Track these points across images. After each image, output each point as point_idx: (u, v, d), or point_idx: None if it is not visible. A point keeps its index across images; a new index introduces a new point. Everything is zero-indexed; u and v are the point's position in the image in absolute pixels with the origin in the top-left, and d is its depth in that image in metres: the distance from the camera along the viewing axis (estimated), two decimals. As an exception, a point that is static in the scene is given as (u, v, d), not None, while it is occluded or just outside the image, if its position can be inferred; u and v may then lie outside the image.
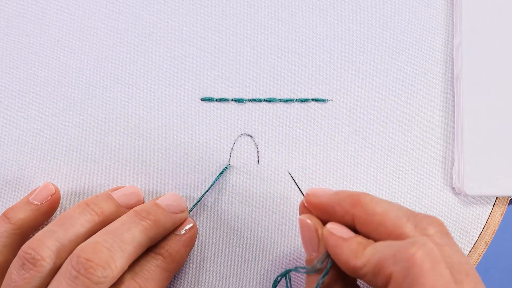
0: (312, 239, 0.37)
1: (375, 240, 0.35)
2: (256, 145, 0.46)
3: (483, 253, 0.46)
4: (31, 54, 0.46)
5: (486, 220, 0.46)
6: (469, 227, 0.46)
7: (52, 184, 0.44)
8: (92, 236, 0.39)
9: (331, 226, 0.36)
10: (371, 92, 0.46)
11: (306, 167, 0.46)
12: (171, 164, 0.45)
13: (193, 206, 0.45)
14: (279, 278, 0.39)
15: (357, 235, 0.35)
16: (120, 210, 0.42)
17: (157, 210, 0.41)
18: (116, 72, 0.46)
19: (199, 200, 0.45)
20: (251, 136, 0.46)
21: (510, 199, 0.46)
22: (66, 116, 0.45)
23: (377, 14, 0.46)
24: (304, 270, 0.36)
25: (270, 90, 0.46)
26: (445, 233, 0.34)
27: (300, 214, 0.39)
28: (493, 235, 0.46)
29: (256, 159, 0.46)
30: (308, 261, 0.37)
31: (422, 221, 0.34)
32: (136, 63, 0.46)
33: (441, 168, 0.46)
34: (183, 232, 0.43)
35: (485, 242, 0.46)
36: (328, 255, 0.36)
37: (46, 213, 0.43)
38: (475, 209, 0.46)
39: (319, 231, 0.37)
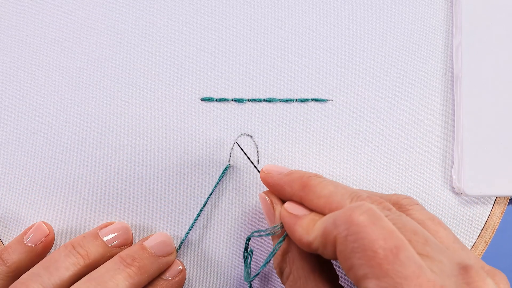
0: (269, 214, 0.40)
1: None
2: (256, 145, 0.46)
3: (482, 253, 0.46)
4: (31, 53, 0.46)
5: (485, 220, 0.46)
6: (468, 227, 0.46)
7: (45, 223, 0.44)
8: (76, 284, 0.39)
9: (288, 205, 0.38)
10: (371, 92, 0.46)
11: (306, 167, 0.46)
12: (171, 164, 0.45)
13: (196, 217, 0.45)
14: (245, 255, 0.42)
15: (311, 212, 0.37)
16: (107, 251, 0.42)
17: (143, 255, 0.42)
18: (116, 72, 0.46)
19: (198, 216, 0.45)
20: (251, 136, 0.46)
21: (509, 199, 0.46)
22: (66, 115, 0.45)
23: (376, 14, 0.46)
24: (257, 234, 0.39)
25: (270, 90, 0.46)
26: (386, 208, 0.35)
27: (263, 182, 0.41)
28: (493, 235, 0.46)
29: (256, 159, 0.46)
30: (270, 230, 0.39)
31: (365, 200, 0.35)
32: (136, 63, 0.46)
33: (440, 168, 0.46)
34: (170, 278, 0.43)
35: (485, 242, 0.46)
36: (282, 226, 0.38)
37: (40, 254, 0.43)
38: (475, 209, 0.46)
39: (276, 208, 0.39)
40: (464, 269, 0.31)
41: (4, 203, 0.45)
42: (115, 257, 0.41)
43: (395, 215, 0.34)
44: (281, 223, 0.38)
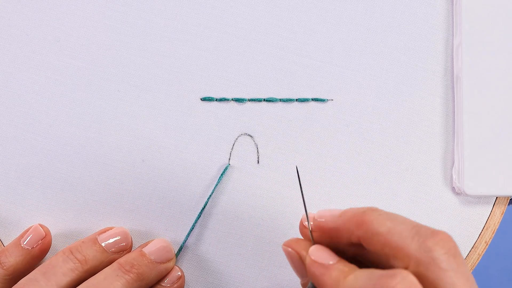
0: (297, 266, 0.36)
1: (382, 260, 0.34)
2: (256, 145, 0.46)
3: (483, 253, 0.46)
4: (31, 53, 0.46)
5: (486, 220, 0.46)
6: (469, 227, 0.46)
7: (42, 226, 0.44)
8: None
9: (313, 252, 0.35)
10: (371, 92, 0.46)
11: (306, 166, 0.46)
12: (170, 164, 0.45)
13: (196, 219, 0.45)
14: None
15: (340, 260, 0.34)
16: (106, 256, 0.42)
17: (142, 262, 0.41)
18: (116, 71, 0.46)
19: (198, 217, 0.45)
20: (251, 136, 0.46)
21: (510, 199, 0.46)
22: (66, 115, 0.45)
23: (377, 14, 0.46)
24: None
25: (270, 90, 0.46)
26: (452, 254, 0.32)
27: (300, 231, 0.38)
28: (493, 235, 0.46)
29: (256, 159, 0.46)
30: (302, 284, 0.36)
31: (428, 240, 0.32)
32: (136, 63, 0.46)
33: (441, 168, 0.46)
34: (169, 285, 0.43)
35: (485, 242, 0.46)
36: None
37: (37, 256, 0.43)
38: (475, 209, 0.46)
39: (304, 257, 0.35)
40: None
41: (3, 203, 0.45)
42: (114, 264, 0.41)
43: (460, 266, 0.32)
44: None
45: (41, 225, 0.44)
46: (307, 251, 0.35)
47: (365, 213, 0.34)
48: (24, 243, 0.43)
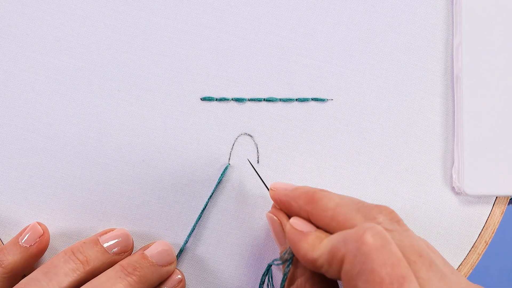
0: (278, 233, 0.39)
1: (331, 234, 0.36)
2: (256, 145, 0.46)
3: (482, 252, 0.46)
4: (31, 53, 0.46)
5: (485, 220, 0.46)
6: (468, 227, 0.46)
7: (40, 224, 0.44)
8: None
9: (293, 221, 0.37)
10: (371, 92, 0.46)
11: (306, 166, 0.46)
12: (170, 163, 0.45)
13: (197, 219, 0.45)
14: (264, 278, 0.41)
15: (317, 229, 0.36)
16: (107, 257, 0.42)
17: (144, 264, 0.42)
18: (116, 71, 0.46)
19: (199, 218, 0.45)
20: (251, 136, 0.46)
21: (509, 199, 0.46)
22: (66, 115, 0.45)
23: (377, 14, 0.46)
24: (277, 263, 0.38)
25: (270, 90, 0.46)
26: (395, 220, 0.35)
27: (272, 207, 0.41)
28: (493, 235, 0.46)
29: (256, 159, 0.46)
30: (280, 253, 0.38)
31: (372, 211, 0.35)
32: (136, 63, 0.46)
33: (441, 168, 0.46)
34: None
35: (485, 242, 0.46)
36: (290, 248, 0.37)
37: (35, 254, 0.43)
38: (475, 208, 0.46)
39: (285, 228, 0.38)
40: None
41: (3, 202, 0.45)
42: (116, 266, 0.41)
43: (402, 229, 0.34)
44: (289, 247, 0.37)
45: (39, 223, 0.44)
46: (288, 220, 0.38)
47: (316, 192, 0.37)
48: (22, 241, 0.43)
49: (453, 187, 0.46)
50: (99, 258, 0.42)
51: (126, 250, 0.43)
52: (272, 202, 0.41)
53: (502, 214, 0.46)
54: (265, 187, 0.44)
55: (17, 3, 0.46)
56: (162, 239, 0.45)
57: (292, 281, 0.37)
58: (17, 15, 0.46)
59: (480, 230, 0.46)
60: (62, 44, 0.46)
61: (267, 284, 0.41)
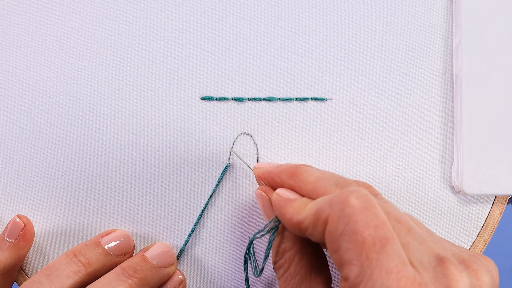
0: (267, 208, 0.40)
1: None
2: (256, 144, 0.46)
3: (482, 252, 0.46)
4: (32, 52, 0.46)
5: (485, 219, 0.46)
6: (468, 226, 0.46)
7: (20, 217, 0.44)
8: None
9: (279, 191, 0.38)
10: (371, 91, 0.46)
11: (306, 166, 0.46)
12: (171, 163, 0.45)
13: (197, 219, 0.45)
14: (247, 258, 0.42)
15: (302, 197, 0.37)
16: (109, 259, 0.43)
17: (144, 266, 0.42)
18: (116, 70, 0.46)
19: (199, 217, 0.45)
20: (250, 135, 0.46)
21: (509, 198, 0.46)
22: (66, 114, 0.46)
23: (376, 13, 0.46)
24: (259, 234, 0.39)
25: (269, 89, 0.46)
26: (373, 193, 0.36)
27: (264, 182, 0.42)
28: (492, 234, 0.46)
29: (256, 158, 0.46)
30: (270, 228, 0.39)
31: (350, 184, 0.35)
32: (136, 62, 0.46)
33: (440, 167, 0.46)
34: None
35: (484, 241, 0.46)
36: (276, 217, 0.38)
37: (23, 247, 0.43)
38: (474, 208, 0.46)
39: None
40: (442, 261, 0.32)
41: (3, 202, 0.45)
42: (117, 268, 0.42)
43: (382, 201, 0.35)
44: (275, 216, 0.39)
45: (19, 216, 0.44)
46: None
47: (298, 166, 0.38)
48: (6, 236, 0.43)
49: (452, 186, 0.46)
50: (100, 260, 0.42)
51: (127, 252, 0.44)
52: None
53: (501, 213, 0.46)
54: (249, 170, 0.45)
55: (18, 2, 0.46)
56: (162, 238, 0.46)
57: (281, 255, 0.37)
58: (18, 14, 0.46)
59: (479, 230, 0.46)
60: (63, 43, 0.46)
61: (250, 262, 0.41)
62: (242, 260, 0.45)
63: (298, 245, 0.37)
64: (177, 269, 0.45)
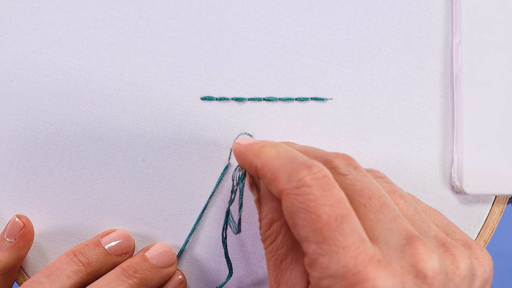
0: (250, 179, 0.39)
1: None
2: (256, 144, 0.46)
3: (482, 251, 0.46)
4: (32, 52, 0.46)
5: (485, 219, 0.46)
6: (468, 226, 0.46)
7: (20, 216, 0.44)
8: None
9: (239, 139, 0.38)
10: (371, 91, 0.46)
11: (306, 166, 0.46)
12: (171, 163, 0.46)
13: (197, 219, 0.45)
14: (224, 232, 0.42)
15: (262, 139, 0.37)
16: (109, 259, 0.43)
17: (144, 266, 0.42)
18: (117, 71, 0.46)
19: (199, 217, 0.45)
20: (250, 135, 0.46)
21: (509, 198, 0.46)
22: (67, 114, 0.46)
23: (376, 13, 0.46)
24: (233, 195, 0.39)
25: (270, 89, 0.46)
26: (352, 165, 0.34)
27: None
28: (492, 234, 0.46)
29: (256, 158, 0.46)
30: (256, 200, 0.39)
31: (329, 156, 0.35)
32: (136, 62, 0.46)
33: (440, 167, 0.46)
34: None
35: (484, 241, 0.46)
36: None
37: (23, 247, 0.43)
38: (474, 207, 0.46)
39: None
40: (411, 239, 0.31)
41: (3, 201, 0.45)
42: (117, 268, 0.42)
43: (358, 174, 0.34)
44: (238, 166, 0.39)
45: (19, 216, 0.44)
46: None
47: (263, 145, 0.37)
48: (6, 237, 0.43)
49: (453, 186, 0.46)
50: (100, 260, 0.42)
51: (127, 251, 0.44)
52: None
53: (501, 213, 0.46)
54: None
55: (18, 2, 0.46)
56: (162, 238, 0.46)
57: (268, 225, 0.37)
58: (18, 14, 0.46)
59: (479, 229, 0.46)
60: (63, 43, 0.46)
61: (230, 225, 0.41)
62: (243, 259, 0.45)
63: (284, 217, 0.36)
64: (177, 269, 0.45)
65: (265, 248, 0.37)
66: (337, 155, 0.35)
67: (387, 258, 0.30)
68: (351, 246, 0.30)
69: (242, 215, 0.45)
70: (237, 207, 0.41)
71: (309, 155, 0.35)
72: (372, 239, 0.31)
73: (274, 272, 0.35)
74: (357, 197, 0.32)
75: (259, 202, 0.38)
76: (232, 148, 0.41)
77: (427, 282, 0.30)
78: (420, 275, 0.30)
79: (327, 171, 0.32)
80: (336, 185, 0.32)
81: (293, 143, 0.38)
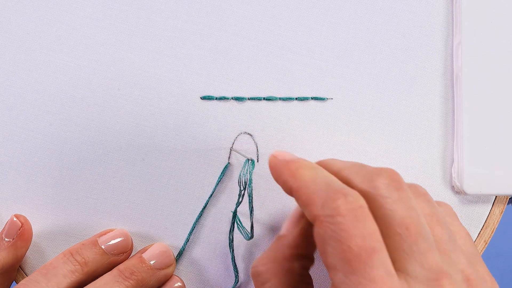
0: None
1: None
2: (256, 144, 0.46)
3: (482, 252, 0.46)
4: (31, 52, 0.46)
5: (485, 219, 0.46)
6: (468, 226, 0.46)
7: (18, 216, 0.44)
8: None
9: (276, 152, 0.36)
10: (371, 91, 0.46)
11: (306, 165, 0.46)
12: (170, 163, 0.45)
13: (196, 219, 0.45)
14: (231, 235, 0.42)
15: (300, 158, 0.36)
16: (106, 258, 0.43)
17: (141, 268, 0.42)
18: (116, 70, 0.46)
19: (198, 217, 0.45)
20: (250, 135, 0.46)
21: (509, 198, 0.46)
22: (66, 114, 0.46)
23: (377, 13, 0.46)
24: (240, 198, 0.39)
25: (270, 89, 0.46)
26: (395, 186, 0.33)
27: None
28: (492, 234, 0.46)
29: (256, 158, 0.46)
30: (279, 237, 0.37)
31: (372, 173, 0.34)
32: (136, 62, 0.46)
33: (440, 167, 0.46)
34: None
35: (484, 241, 0.46)
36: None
37: (21, 246, 0.43)
38: (474, 208, 0.46)
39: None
40: (439, 275, 0.31)
41: (3, 201, 0.45)
42: (114, 270, 0.42)
43: (400, 197, 0.33)
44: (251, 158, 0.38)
45: (17, 216, 0.44)
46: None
47: (322, 161, 0.36)
48: (4, 236, 0.43)
49: (453, 186, 0.46)
50: (97, 260, 0.42)
51: (125, 251, 0.44)
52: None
53: (501, 213, 0.46)
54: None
55: (18, 2, 0.46)
56: (162, 238, 0.46)
57: (264, 266, 0.36)
58: (18, 14, 0.46)
59: (480, 230, 0.46)
60: (63, 43, 0.46)
61: (240, 230, 0.40)
62: (243, 259, 0.45)
63: (282, 260, 0.36)
64: (177, 276, 0.45)
65: None
66: (381, 172, 0.34)
67: None
68: (379, 280, 0.30)
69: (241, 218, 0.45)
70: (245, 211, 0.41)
71: (351, 171, 0.34)
72: (401, 270, 0.31)
73: None
74: (394, 225, 0.32)
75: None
76: (268, 161, 0.37)
77: None
78: None
79: (362, 202, 0.32)
80: (370, 216, 0.32)
81: (336, 159, 0.36)
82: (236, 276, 0.44)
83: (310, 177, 0.34)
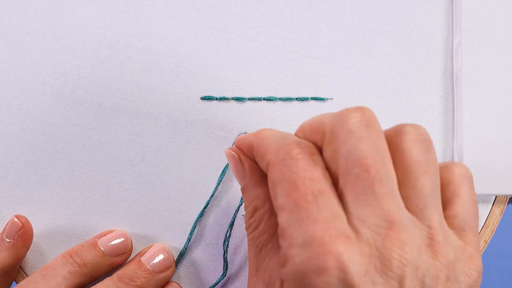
0: (239, 170, 0.38)
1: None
2: (256, 144, 0.46)
3: (482, 252, 0.46)
4: (31, 52, 0.46)
5: (485, 219, 0.46)
6: (468, 226, 0.46)
7: (18, 217, 0.44)
8: None
9: (240, 136, 0.38)
10: (371, 91, 0.46)
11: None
12: (170, 163, 0.46)
13: (196, 220, 0.45)
14: (227, 242, 0.43)
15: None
16: (105, 260, 0.43)
17: (140, 274, 0.42)
18: (116, 70, 0.46)
19: (198, 217, 0.45)
20: (251, 135, 0.46)
21: (509, 198, 0.46)
22: (66, 114, 0.46)
23: (377, 13, 0.46)
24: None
25: (270, 89, 0.46)
26: (365, 123, 0.31)
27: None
28: (492, 234, 0.46)
29: (256, 158, 0.46)
30: (242, 189, 0.38)
31: (346, 109, 0.32)
32: (136, 62, 0.46)
33: (440, 167, 0.46)
34: None
35: (484, 241, 0.46)
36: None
37: (21, 248, 0.43)
38: (475, 208, 0.46)
39: (245, 162, 0.37)
40: (391, 224, 0.29)
41: (3, 201, 0.45)
42: (113, 276, 0.42)
43: (369, 135, 0.31)
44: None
45: (17, 216, 0.44)
46: (243, 157, 0.37)
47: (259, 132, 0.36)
48: (4, 237, 0.43)
49: (453, 186, 0.46)
50: (96, 261, 0.42)
51: (124, 252, 0.44)
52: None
53: (501, 213, 0.46)
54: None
55: (18, 2, 0.46)
56: (162, 238, 0.46)
57: (251, 213, 0.36)
58: (18, 14, 0.46)
59: (480, 230, 0.46)
60: (63, 43, 0.46)
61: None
62: (243, 259, 0.45)
63: (268, 205, 0.36)
64: (176, 282, 0.45)
65: (247, 235, 0.36)
66: (357, 108, 0.31)
67: (358, 236, 0.29)
68: (322, 220, 0.29)
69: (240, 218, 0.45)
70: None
71: (324, 116, 0.33)
72: (351, 213, 0.30)
73: (254, 259, 0.35)
74: (354, 163, 0.30)
75: (245, 191, 0.38)
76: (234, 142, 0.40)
77: (392, 271, 0.29)
78: (386, 262, 0.29)
79: (314, 150, 0.32)
80: (322, 165, 0.32)
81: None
82: (225, 269, 0.44)
83: (269, 133, 0.35)
